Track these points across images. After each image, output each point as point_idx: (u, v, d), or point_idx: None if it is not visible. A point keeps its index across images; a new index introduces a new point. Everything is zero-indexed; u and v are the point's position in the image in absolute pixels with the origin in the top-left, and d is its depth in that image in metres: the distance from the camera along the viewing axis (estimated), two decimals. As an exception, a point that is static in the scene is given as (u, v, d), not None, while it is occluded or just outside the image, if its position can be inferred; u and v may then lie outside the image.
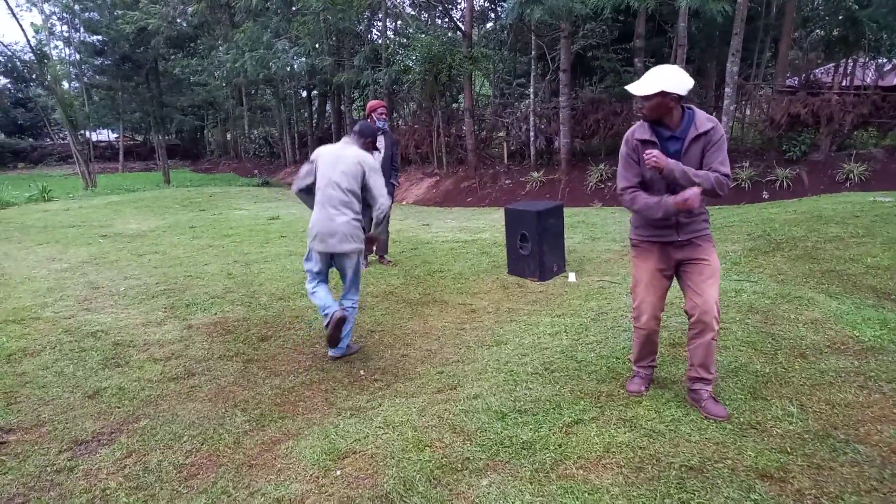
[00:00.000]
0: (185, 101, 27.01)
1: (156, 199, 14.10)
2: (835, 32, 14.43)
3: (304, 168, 4.25)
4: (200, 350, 4.47)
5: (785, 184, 10.68)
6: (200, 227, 9.77)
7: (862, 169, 10.30)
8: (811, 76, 14.32)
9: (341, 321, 4.04)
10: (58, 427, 3.36)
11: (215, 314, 5.20)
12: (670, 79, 2.82)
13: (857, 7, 12.22)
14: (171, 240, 8.70)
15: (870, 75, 15.11)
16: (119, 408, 3.61)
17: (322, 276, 4.29)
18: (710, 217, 3.22)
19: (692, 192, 2.79)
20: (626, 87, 3.01)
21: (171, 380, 3.99)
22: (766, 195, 10.62)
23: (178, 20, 20.63)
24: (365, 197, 4.20)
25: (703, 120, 2.90)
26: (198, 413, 3.56)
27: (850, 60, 14.96)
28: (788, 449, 2.65)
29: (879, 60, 15.27)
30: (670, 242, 3.05)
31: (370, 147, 4.39)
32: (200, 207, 12.75)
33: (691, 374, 3.10)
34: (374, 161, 4.24)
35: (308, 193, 4.24)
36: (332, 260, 4.24)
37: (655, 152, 2.84)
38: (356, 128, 4.37)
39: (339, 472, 2.79)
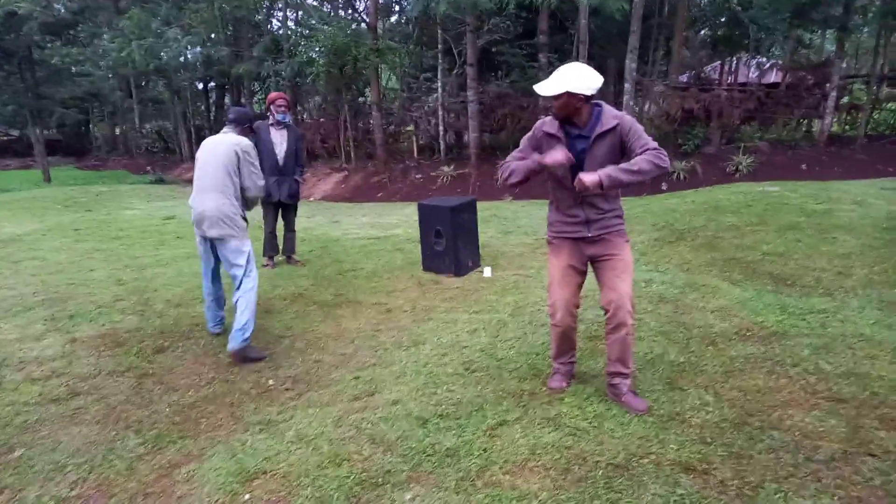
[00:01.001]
0: (65, 92, 24.82)
1: (34, 200, 12.86)
2: (720, 32, 15.32)
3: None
4: (86, 366, 4.01)
5: (682, 176, 11.20)
6: (86, 230, 8.96)
7: (750, 161, 10.98)
8: (701, 73, 15.14)
9: (237, 356, 4.07)
10: None
11: (103, 325, 4.71)
12: (576, 79, 2.81)
13: (739, 8, 13.00)
14: (52, 244, 7.90)
15: (752, 73, 16.18)
16: (-11, 438, 3.16)
17: (210, 273, 4.39)
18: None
19: (558, 154, 2.80)
20: (534, 87, 2.98)
21: (52, 401, 3.55)
22: (664, 187, 11.10)
23: (55, 5, 18.91)
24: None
25: (609, 117, 2.90)
26: (84, 438, 3.16)
27: (734, 59, 15.94)
28: (708, 439, 2.68)
29: (760, 59, 16.37)
30: (581, 238, 3.06)
31: (247, 132, 4.42)
32: (86, 208, 11.74)
33: (610, 370, 3.10)
34: (249, 145, 4.23)
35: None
36: (213, 249, 4.28)
37: (583, 178, 2.78)
38: (231, 115, 4.42)
39: (247, 496, 2.55)
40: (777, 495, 2.31)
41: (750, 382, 3.18)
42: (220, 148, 4.17)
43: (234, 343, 4.08)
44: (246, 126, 4.38)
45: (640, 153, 2.78)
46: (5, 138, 33.70)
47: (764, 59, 16.38)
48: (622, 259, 3.01)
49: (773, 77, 15.68)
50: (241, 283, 4.21)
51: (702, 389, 3.14)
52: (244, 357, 4.12)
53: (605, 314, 3.02)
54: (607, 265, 3.02)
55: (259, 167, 4.30)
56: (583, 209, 3.02)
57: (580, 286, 3.18)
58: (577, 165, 2.93)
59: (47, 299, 5.31)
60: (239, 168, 4.15)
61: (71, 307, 5.10)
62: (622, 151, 2.91)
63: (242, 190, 4.23)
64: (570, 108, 2.88)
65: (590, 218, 3.01)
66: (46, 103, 22.69)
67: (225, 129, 4.34)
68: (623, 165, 2.77)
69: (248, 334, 4.12)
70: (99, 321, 4.80)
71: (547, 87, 2.87)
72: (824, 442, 2.63)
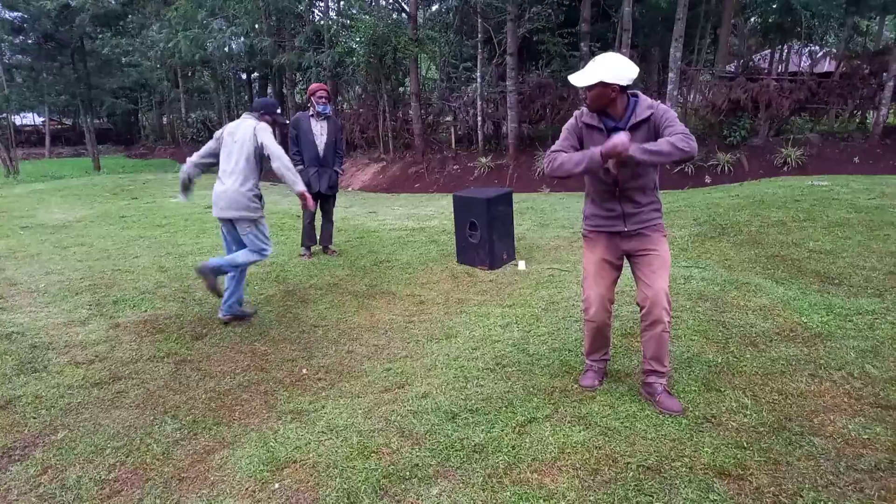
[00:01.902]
0: (115, 82, 25.54)
1: (84, 187, 13.30)
2: (771, 20, 14.79)
3: (208, 144, 4.61)
4: (128, 351, 4.14)
5: (726, 168, 10.89)
6: (132, 217, 9.23)
7: (799, 153, 10.59)
8: (750, 62, 14.65)
9: (201, 271, 4.35)
10: (-38, 444, 3.02)
11: (145, 311, 4.85)
12: (609, 69, 2.75)
13: (792, -5, 12.52)
14: (99, 231, 8.17)
15: (804, 62, 15.59)
16: (35, 419, 3.28)
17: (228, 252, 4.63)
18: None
19: (619, 137, 2.64)
20: (569, 78, 2.94)
21: (95, 385, 3.66)
22: (708, 180, 10.81)
23: (106, -4, 19.48)
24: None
25: (644, 107, 2.84)
26: (123, 422, 3.26)
27: (785, 47, 15.38)
28: (745, 443, 2.60)
29: (812, 48, 15.76)
30: (618, 233, 3.00)
31: (266, 119, 4.55)
32: (132, 195, 12.09)
33: (645, 367, 3.04)
34: (267, 128, 4.41)
35: (197, 167, 4.65)
36: (234, 231, 4.49)
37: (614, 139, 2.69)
38: (252, 104, 4.71)
39: (277, 486, 2.58)
40: (816, 504, 2.23)
41: (791, 385, 3.07)
42: (241, 133, 4.38)
43: (220, 312, 4.59)
44: (262, 113, 4.53)
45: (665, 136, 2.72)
46: (59, 127, 34.92)
47: (817, 48, 15.76)
48: (659, 255, 2.94)
49: (826, 66, 15.07)
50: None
51: (739, 391, 3.04)
52: (234, 316, 4.60)
53: (641, 311, 2.96)
54: (644, 261, 2.97)
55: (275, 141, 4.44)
56: (620, 203, 2.96)
57: (615, 281, 3.13)
58: None
59: (93, 285, 5.49)
60: (259, 147, 4.33)
61: (115, 293, 5.26)
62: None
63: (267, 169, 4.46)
64: (605, 98, 2.81)
65: (626, 212, 2.95)
66: (97, 93, 23.41)
67: (244, 115, 4.55)
68: (644, 145, 2.68)
69: (229, 304, 4.56)
70: (141, 307, 4.94)
71: (581, 78, 2.81)
72: (868, 450, 2.52)
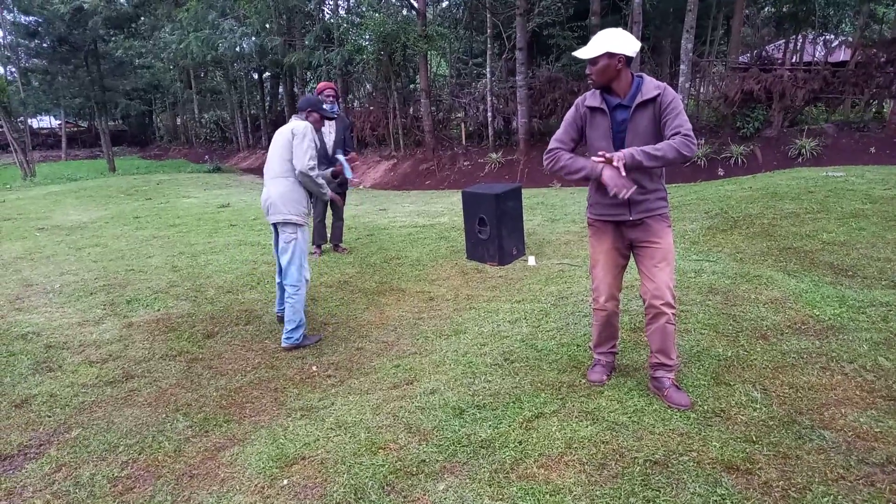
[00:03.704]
0: (128, 84, 25.83)
1: (99, 189, 13.47)
2: (785, 9, 14.60)
3: None
4: (141, 350, 4.19)
5: (740, 160, 10.77)
6: (145, 217, 9.33)
7: (813, 144, 10.45)
8: (763, 53, 14.48)
9: (297, 345, 4.26)
10: (-22, 442, 3.07)
11: (158, 310, 4.90)
12: (615, 40, 2.73)
13: (806, -17, 12.37)
14: (114, 231, 8.27)
15: (819, 51, 15.37)
16: (49, 417, 3.34)
17: (278, 261, 4.41)
18: (668, 196, 3.09)
19: (613, 180, 2.68)
20: (574, 53, 2.91)
21: (108, 384, 3.72)
22: (721, 172, 10.70)
23: (118, -1, 19.68)
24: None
25: (651, 87, 2.79)
26: (136, 420, 3.31)
27: (799, 37, 15.17)
28: (754, 437, 2.57)
29: (827, 36, 15.53)
30: (623, 221, 2.95)
31: (313, 117, 4.44)
32: (146, 196, 12.21)
33: (652, 361, 3.02)
34: (303, 128, 4.21)
35: None
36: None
37: (610, 155, 2.72)
38: (298, 103, 4.60)
39: (286, 482, 2.60)
40: (825, 498, 2.20)
41: (802, 379, 3.04)
42: (280, 135, 4.30)
43: (284, 342, 4.27)
44: (308, 110, 4.42)
45: (670, 136, 2.69)
46: (75, 129, 35.33)
47: (832, 37, 15.54)
48: (661, 247, 2.90)
49: (842, 55, 14.85)
50: (285, 272, 4.29)
51: (749, 385, 3.01)
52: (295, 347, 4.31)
53: (644, 303, 2.96)
54: (646, 253, 2.93)
55: (310, 148, 4.25)
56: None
57: (623, 269, 3.12)
58: (618, 137, 2.85)
59: (107, 285, 5.56)
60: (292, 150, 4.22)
61: (129, 293, 5.32)
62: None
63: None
64: (611, 71, 2.77)
65: (632, 199, 2.85)
66: (111, 95, 23.66)
67: (293, 117, 4.43)
68: (647, 148, 2.67)
69: (294, 339, 4.26)
70: (154, 306, 4.99)
71: (587, 51, 2.78)
72: (879, 444, 2.49)
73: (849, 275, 4.60)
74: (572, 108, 3.00)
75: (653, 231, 2.91)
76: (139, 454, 2.97)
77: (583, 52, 2.80)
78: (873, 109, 12.68)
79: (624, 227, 2.98)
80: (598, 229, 3.08)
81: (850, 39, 14.12)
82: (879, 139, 10.55)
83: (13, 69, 24.77)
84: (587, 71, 2.86)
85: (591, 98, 2.90)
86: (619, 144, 2.83)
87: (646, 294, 2.92)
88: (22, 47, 24.01)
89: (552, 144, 3.00)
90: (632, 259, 3.11)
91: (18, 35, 22.88)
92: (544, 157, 3.02)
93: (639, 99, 2.78)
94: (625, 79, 2.82)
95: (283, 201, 4.18)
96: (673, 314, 2.89)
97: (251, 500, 2.51)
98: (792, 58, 14.56)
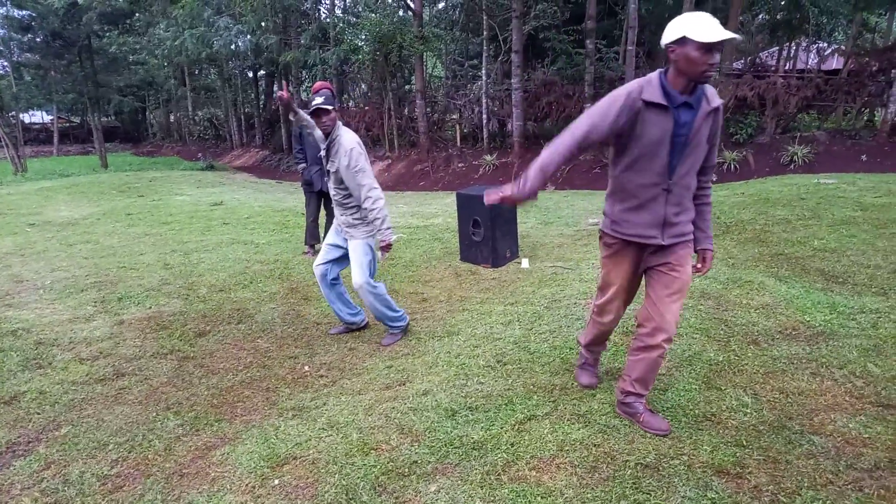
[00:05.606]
0: (122, 80, 25.70)
1: (91, 185, 13.39)
2: (779, 16, 14.70)
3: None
4: (131, 348, 4.17)
5: (733, 166, 10.84)
6: (137, 214, 9.29)
7: (806, 151, 10.52)
8: (757, 59, 14.57)
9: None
10: (-35, 439, 3.05)
11: (149, 308, 4.88)
12: (693, 24, 2.24)
13: (800, -9, 12.46)
14: (105, 228, 8.22)
15: (812, 59, 15.48)
16: (38, 414, 3.32)
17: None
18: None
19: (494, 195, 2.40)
20: (729, 35, 2.20)
21: (98, 381, 3.70)
22: (714, 178, 10.75)
23: (112, -6, 19.56)
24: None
25: (714, 95, 2.41)
26: (126, 418, 3.29)
27: (793, 44, 15.27)
28: (744, 442, 2.59)
29: (820, 44, 15.65)
30: (650, 245, 2.59)
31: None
32: (139, 193, 12.15)
33: (625, 387, 2.76)
34: (344, 141, 4.00)
35: None
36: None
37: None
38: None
39: (276, 482, 2.59)
40: (814, 503, 2.22)
41: (792, 384, 3.06)
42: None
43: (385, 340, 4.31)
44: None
45: (704, 182, 2.58)
46: (67, 125, 35.12)
47: (825, 45, 15.66)
48: (680, 278, 2.56)
49: (835, 63, 14.97)
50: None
51: (740, 390, 3.03)
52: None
53: (639, 328, 2.67)
54: (663, 280, 2.58)
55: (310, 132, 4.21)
56: (665, 204, 2.48)
57: (635, 292, 2.91)
58: (677, 142, 2.38)
59: (98, 282, 5.53)
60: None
61: (120, 290, 5.29)
62: None
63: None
64: (685, 62, 2.30)
65: (668, 219, 2.49)
66: (105, 91, 23.52)
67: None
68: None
69: (394, 327, 4.30)
70: (146, 304, 4.97)
71: (719, 31, 2.20)
72: (868, 449, 2.51)
73: (839, 281, 4.63)
74: (620, 97, 2.38)
75: (677, 257, 2.57)
76: (129, 452, 2.95)
77: (727, 33, 2.21)
78: (865, 117, 12.77)
79: (648, 252, 2.63)
80: (617, 251, 2.68)
81: (843, 48, 14.24)
82: (871, 147, 10.65)
83: (5, 63, 24.64)
84: (711, 60, 2.25)
85: (650, 90, 2.35)
86: (677, 153, 2.40)
87: (647, 322, 2.62)
88: (15, 42, 23.84)
89: (582, 128, 2.39)
90: None
91: (11, 29, 22.71)
92: (552, 144, 2.46)
93: (705, 106, 2.37)
94: None
95: (344, 218, 4.17)
96: (668, 348, 2.66)
97: (242, 499, 2.50)
98: (785, 65, 14.65)
